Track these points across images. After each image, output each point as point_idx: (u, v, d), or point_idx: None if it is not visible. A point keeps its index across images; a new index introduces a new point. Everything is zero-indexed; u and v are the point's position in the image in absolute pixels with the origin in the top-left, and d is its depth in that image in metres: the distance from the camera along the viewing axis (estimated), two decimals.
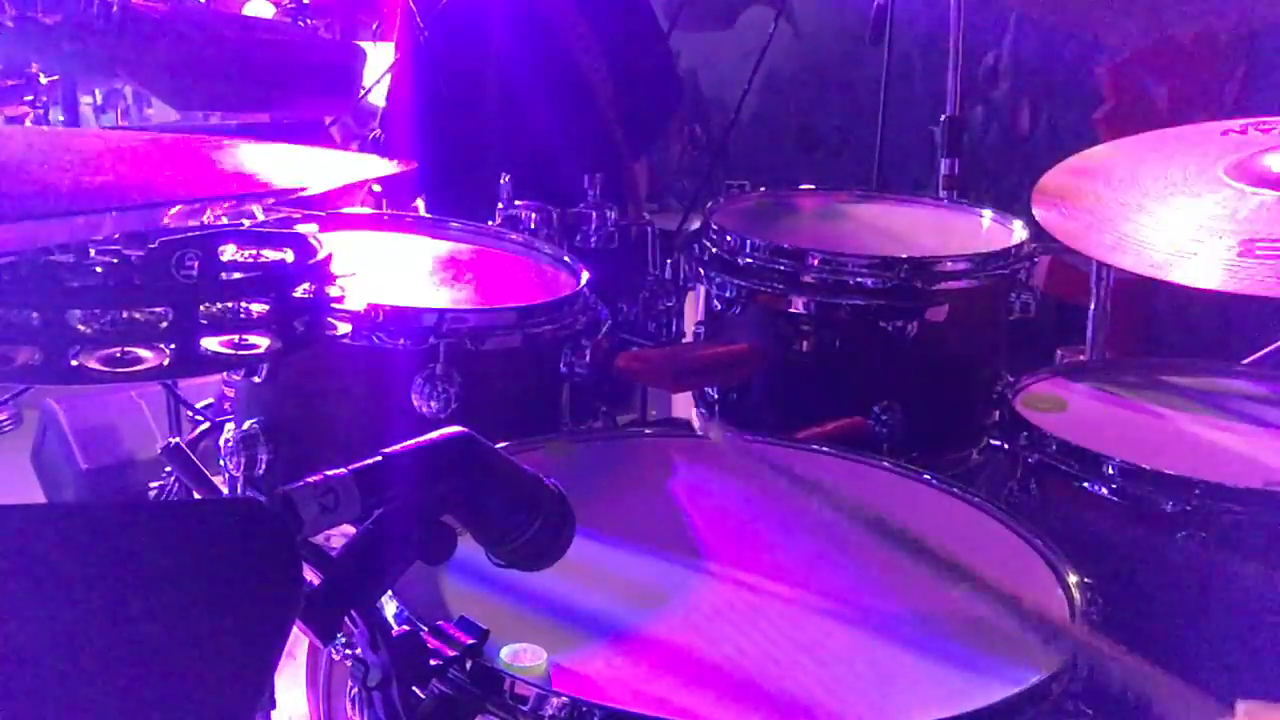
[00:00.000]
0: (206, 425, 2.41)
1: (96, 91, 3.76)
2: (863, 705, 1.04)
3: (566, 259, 1.88)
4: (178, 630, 0.77)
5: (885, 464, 1.50)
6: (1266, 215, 1.60)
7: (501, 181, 2.05)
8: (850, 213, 2.26)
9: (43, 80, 2.79)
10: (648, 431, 1.66)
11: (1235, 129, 1.83)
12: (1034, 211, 1.81)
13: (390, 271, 1.83)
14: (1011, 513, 1.37)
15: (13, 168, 1.05)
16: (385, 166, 1.29)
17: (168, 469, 2.53)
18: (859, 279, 1.83)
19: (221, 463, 1.67)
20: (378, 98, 2.85)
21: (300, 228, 1.31)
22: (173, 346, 1.12)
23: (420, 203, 2.16)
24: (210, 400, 2.50)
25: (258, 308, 1.16)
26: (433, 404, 1.54)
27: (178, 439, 2.48)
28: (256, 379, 1.61)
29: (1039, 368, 1.84)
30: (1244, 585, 1.43)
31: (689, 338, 2.13)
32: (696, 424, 1.96)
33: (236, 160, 1.25)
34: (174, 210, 1.05)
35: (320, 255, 1.26)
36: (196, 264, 1.15)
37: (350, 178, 1.29)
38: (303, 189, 1.11)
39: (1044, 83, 3.52)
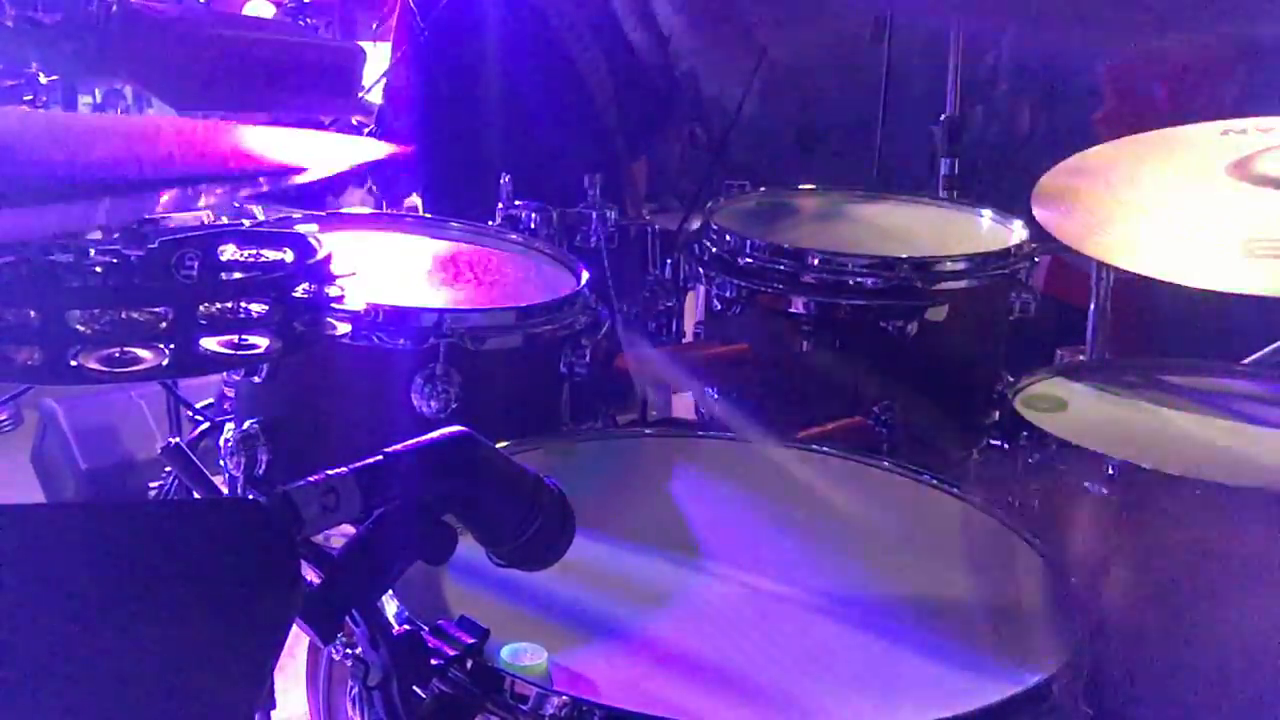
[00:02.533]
0: (206, 425, 2.41)
1: (96, 91, 3.76)
2: (863, 705, 1.04)
3: (567, 259, 1.88)
4: (177, 630, 0.77)
5: (885, 464, 1.50)
6: (1267, 215, 1.60)
7: (501, 181, 2.05)
8: (850, 213, 2.26)
9: (42, 80, 2.78)
10: (648, 431, 1.66)
11: (1236, 129, 1.83)
12: (1034, 211, 1.81)
13: (390, 271, 1.83)
14: (1011, 513, 1.37)
15: (6, 149, 1.05)
16: (379, 149, 1.28)
17: (168, 469, 2.52)
18: (859, 279, 1.83)
19: (221, 463, 1.67)
20: (377, 97, 2.85)
21: (300, 228, 1.32)
22: (172, 346, 1.12)
23: (418, 201, 2.16)
24: (210, 400, 2.50)
25: (257, 308, 1.16)
26: (433, 404, 1.54)
27: (178, 439, 2.48)
28: (256, 379, 1.62)
29: (1039, 368, 1.83)
30: (1241, 587, 1.43)
31: (689, 338, 2.13)
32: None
33: (235, 142, 1.24)
34: (169, 193, 1.04)
35: (320, 255, 1.26)
36: (196, 264, 1.15)
37: (347, 162, 1.28)
38: (303, 169, 1.11)
39: (1044, 83, 3.51)
